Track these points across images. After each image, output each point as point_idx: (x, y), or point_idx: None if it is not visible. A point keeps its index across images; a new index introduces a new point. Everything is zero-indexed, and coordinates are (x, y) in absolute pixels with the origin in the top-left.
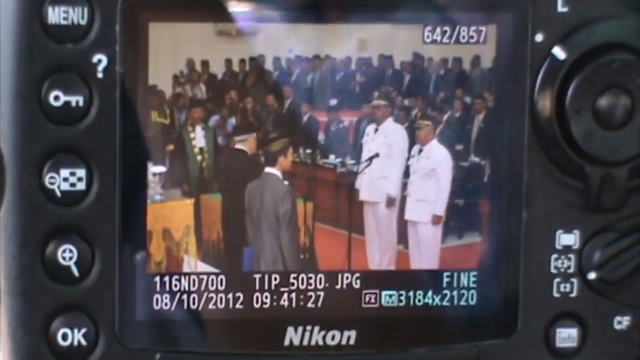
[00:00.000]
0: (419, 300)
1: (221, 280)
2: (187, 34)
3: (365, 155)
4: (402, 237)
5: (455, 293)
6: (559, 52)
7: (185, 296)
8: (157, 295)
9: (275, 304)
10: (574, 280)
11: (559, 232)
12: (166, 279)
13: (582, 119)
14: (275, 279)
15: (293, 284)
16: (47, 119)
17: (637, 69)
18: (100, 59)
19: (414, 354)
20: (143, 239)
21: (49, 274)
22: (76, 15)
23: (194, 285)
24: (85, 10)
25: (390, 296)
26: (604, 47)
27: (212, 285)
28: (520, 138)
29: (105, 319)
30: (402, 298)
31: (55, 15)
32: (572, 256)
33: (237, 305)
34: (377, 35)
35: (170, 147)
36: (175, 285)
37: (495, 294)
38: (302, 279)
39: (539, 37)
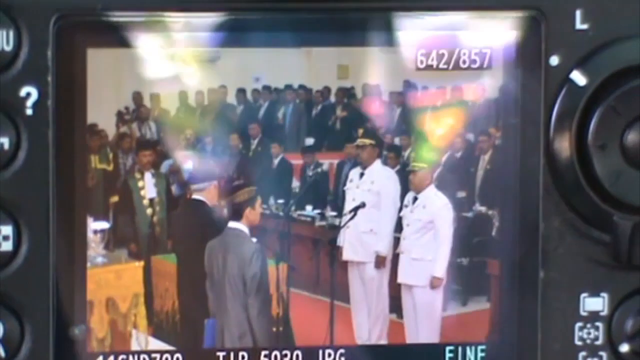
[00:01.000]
0: None
1: (178, 359)
2: (133, 62)
3: (349, 205)
4: (395, 304)
5: None
6: (578, 77)
7: None
8: None
9: None
10: (603, 353)
11: (583, 295)
12: (111, 359)
13: (608, 157)
14: (243, 357)
15: None
16: None
17: None
18: (29, 93)
19: None
20: (82, 311)
21: None
22: (0, 40)
23: None
24: (11, 33)
25: None
26: (632, 70)
27: None
28: (535, 182)
29: None
30: None
31: None
32: (600, 324)
33: None
34: (361, 60)
35: (114, 198)
36: None
37: None
38: (276, 356)
39: (554, 60)
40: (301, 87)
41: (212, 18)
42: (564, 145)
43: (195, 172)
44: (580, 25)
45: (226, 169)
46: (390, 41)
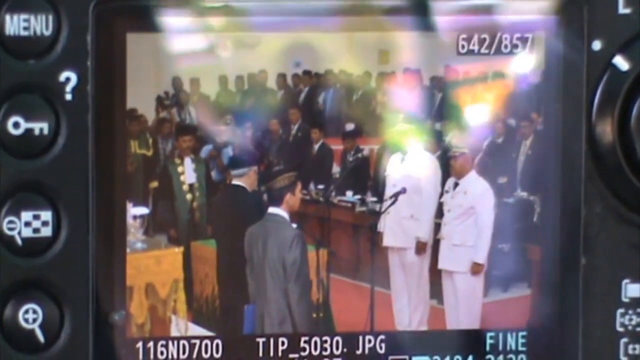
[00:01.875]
0: None
1: (217, 345)
2: (173, 47)
3: (389, 191)
4: (436, 290)
5: (500, 358)
6: (621, 62)
7: None
8: None
9: None
10: None
11: (625, 281)
12: (150, 344)
13: None
14: (283, 343)
15: (304, 349)
16: (5, 150)
17: None
18: (69, 78)
19: None
20: (122, 297)
21: (9, 339)
22: (39, 25)
23: (184, 353)
24: (50, 18)
25: None
26: None
27: (207, 351)
28: (576, 168)
29: None
30: None
31: (13, 24)
32: None
33: None
34: (402, 45)
35: (154, 183)
36: (162, 353)
37: (550, 358)
38: (316, 342)
39: (596, 45)
40: (342, 72)
41: (252, 2)
42: (606, 131)
43: (235, 158)
44: (623, 9)
45: (266, 155)
46: (431, 26)
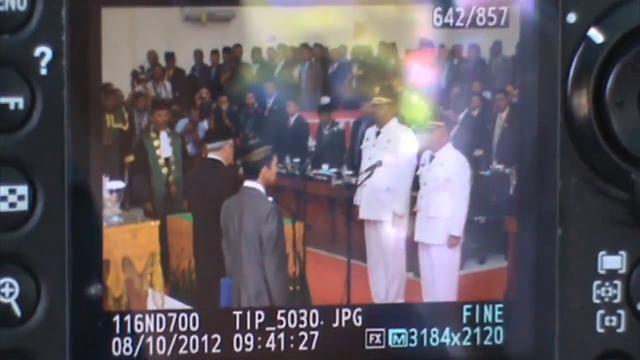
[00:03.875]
0: (434, 340)
1: (194, 318)
2: (147, 21)
3: (365, 164)
4: (412, 263)
5: (477, 330)
6: (595, 35)
7: (150, 339)
8: (116, 339)
9: (259, 346)
10: (621, 312)
11: (601, 253)
12: (127, 318)
13: (626, 114)
14: (260, 316)
15: (281, 322)
16: None
17: None
18: (44, 52)
19: None
20: (98, 270)
21: None
22: (14, 0)
23: (161, 326)
24: None
25: (399, 335)
26: None
27: (184, 325)
28: (552, 140)
29: None
30: (414, 337)
31: None
32: (618, 283)
33: (214, 349)
34: (377, 18)
35: (130, 158)
36: (139, 326)
37: (526, 330)
38: (292, 315)
39: (571, 18)
40: (317, 45)
41: None
42: (581, 103)
43: (210, 131)
44: None
45: (242, 128)
46: None
